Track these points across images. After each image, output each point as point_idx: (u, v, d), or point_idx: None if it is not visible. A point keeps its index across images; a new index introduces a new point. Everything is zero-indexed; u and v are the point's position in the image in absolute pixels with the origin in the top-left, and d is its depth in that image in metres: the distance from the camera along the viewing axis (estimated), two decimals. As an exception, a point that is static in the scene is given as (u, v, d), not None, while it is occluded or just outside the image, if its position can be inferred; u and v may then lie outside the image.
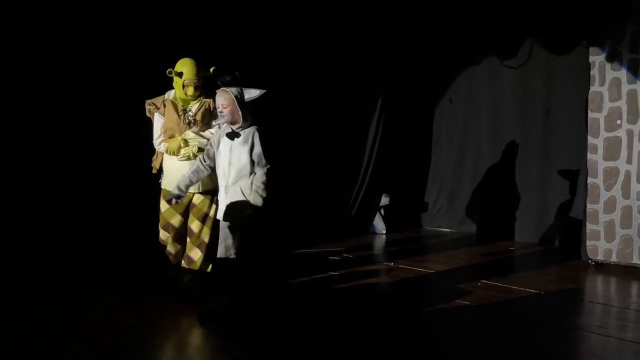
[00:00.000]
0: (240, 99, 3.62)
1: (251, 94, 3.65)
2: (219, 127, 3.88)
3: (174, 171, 4.17)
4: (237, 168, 3.63)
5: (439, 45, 7.03)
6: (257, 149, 3.61)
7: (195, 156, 4.08)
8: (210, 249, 4.18)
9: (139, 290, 4.28)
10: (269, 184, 3.57)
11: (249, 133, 3.63)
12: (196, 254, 4.25)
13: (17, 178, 4.78)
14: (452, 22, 6.76)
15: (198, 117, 4.17)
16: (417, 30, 6.92)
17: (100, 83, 5.10)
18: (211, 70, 4.14)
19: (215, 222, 4.07)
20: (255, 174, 3.59)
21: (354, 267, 5.37)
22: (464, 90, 7.13)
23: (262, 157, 3.60)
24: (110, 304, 4.03)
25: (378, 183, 7.18)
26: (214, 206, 4.17)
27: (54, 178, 4.95)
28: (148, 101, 4.24)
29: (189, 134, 4.11)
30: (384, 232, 7.06)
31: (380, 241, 6.77)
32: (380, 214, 7.17)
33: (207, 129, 4.19)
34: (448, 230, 7.26)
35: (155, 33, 5.23)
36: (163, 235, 4.27)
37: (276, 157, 3.71)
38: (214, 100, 3.86)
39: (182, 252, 4.32)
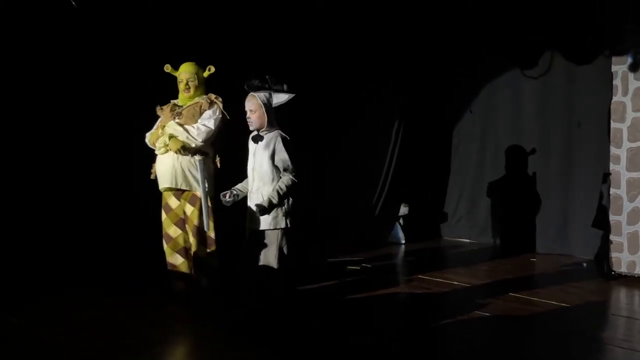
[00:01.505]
0: (268, 104, 3.55)
1: (279, 98, 3.56)
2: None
3: (159, 167, 4.09)
4: (259, 174, 3.56)
5: (458, 53, 6.98)
6: (282, 154, 3.51)
7: (179, 150, 3.94)
8: (202, 261, 4.12)
9: (138, 290, 4.32)
10: (293, 189, 3.47)
11: (272, 138, 3.55)
12: (187, 265, 4.24)
13: (14, 180, 4.79)
14: (471, 32, 6.73)
15: (184, 111, 4.10)
16: (437, 39, 6.90)
17: (98, 85, 5.14)
18: (208, 69, 4.12)
19: (209, 236, 4.05)
20: (281, 178, 3.51)
21: (372, 277, 5.36)
22: (484, 99, 7.08)
23: (289, 163, 3.51)
24: (111, 304, 4.09)
25: (397, 193, 7.17)
26: (201, 216, 4.05)
27: (52, 180, 4.96)
28: (160, 106, 4.29)
29: (170, 123, 4.04)
30: (403, 242, 7.04)
31: (399, 251, 6.74)
32: (399, 224, 7.15)
33: (191, 124, 4.06)
34: (468, 240, 7.20)
35: (160, 35, 5.22)
36: (165, 245, 4.22)
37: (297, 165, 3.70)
38: (213, 104, 3.96)
39: (185, 265, 4.22)
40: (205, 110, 4.07)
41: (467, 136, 7.30)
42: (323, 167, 6.62)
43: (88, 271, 4.72)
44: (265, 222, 3.49)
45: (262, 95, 3.55)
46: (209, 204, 4.03)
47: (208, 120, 4.02)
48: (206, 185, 4.03)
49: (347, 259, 5.91)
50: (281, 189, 3.43)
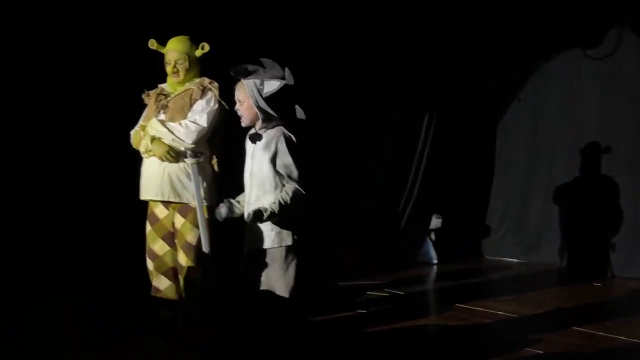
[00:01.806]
0: (258, 93, 3.47)
1: (271, 86, 3.46)
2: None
3: (144, 173, 4.02)
4: (258, 180, 3.48)
5: (500, 34, 6.95)
6: (285, 158, 3.43)
7: (165, 156, 3.88)
8: (195, 283, 4.04)
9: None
10: (298, 200, 3.40)
11: (273, 136, 3.48)
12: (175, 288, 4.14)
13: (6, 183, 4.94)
14: (517, 7, 6.68)
15: (171, 103, 3.99)
16: (473, 17, 6.93)
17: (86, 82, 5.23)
18: (201, 47, 4.00)
19: (200, 253, 3.97)
20: (284, 186, 3.45)
21: (397, 305, 5.36)
22: (535, 88, 7.09)
23: (293, 168, 3.43)
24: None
25: (427, 201, 7.23)
26: (197, 232, 3.96)
27: (39, 184, 5.09)
28: (147, 91, 4.17)
29: (152, 121, 3.93)
30: (435, 262, 7.04)
31: (430, 273, 6.76)
32: (431, 240, 7.15)
33: (180, 119, 3.95)
34: (515, 260, 7.18)
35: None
36: (148, 264, 4.13)
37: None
38: (207, 91, 3.90)
39: (172, 289, 4.13)
40: (197, 100, 3.97)
41: (515, 132, 7.31)
42: (338, 171, 6.66)
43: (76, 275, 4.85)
44: (268, 238, 3.47)
45: (251, 82, 3.49)
46: (206, 216, 3.96)
47: (200, 115, 3.94)
48: (202, 194, 3.94)
49: (366, 283, 5.90)
50: (284, 200, 3.37)
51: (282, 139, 3.45)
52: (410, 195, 7.22)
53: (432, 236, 7.17)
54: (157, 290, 4.11)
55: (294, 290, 3.45)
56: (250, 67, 3.47)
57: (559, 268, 6.81)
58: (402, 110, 7.10)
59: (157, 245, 4.07)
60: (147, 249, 4.12)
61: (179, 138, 3.89)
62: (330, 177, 6.42)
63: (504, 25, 6.84)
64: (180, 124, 3.91)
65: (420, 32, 6.91)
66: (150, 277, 4.12)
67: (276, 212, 3.35)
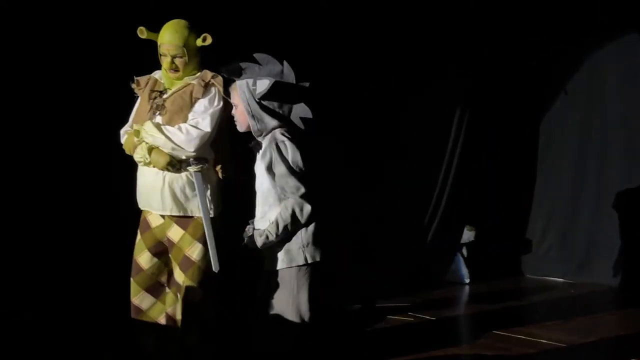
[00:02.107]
0: (251, 96, 3.58)
1: (263, 85, 3.55)
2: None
3: (140, 180, 4.04)
4: (262, 194, 3.61)
5: (546, 16, 7.01)
6: (278, 167, 3.51)
7: (167, 168, 3.90)
8: (194, 308, 4.01)
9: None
10: (299, 218, 3.48)
11: (268, 145, 3.58)
12: (180, 313, 4.07)
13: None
14: None
15: (168, 103, 3.96)
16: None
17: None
18: (202, 38, 3.98)
19: (204, 272, 3.97)
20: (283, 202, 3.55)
21: (424, 331, 5.36)
22: (584, 80, 7.11)
23: (288, 178, 3.49)
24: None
25: (458, 211, 7.22)
26: (199, 246, 3.98)
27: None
28: (136, 78, 4.12)
29: (147, 125, 3.89)
30: (468, 281, 7.04)
31: (462, 295, 6.76)
32: (462, 255, 7.15)
33: (180, 122, 3.94)
34: (561, 280, 7.20)
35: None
36: (131, 278, 4.11)
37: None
38: (209, 87, 3.89)
39: (158, 310, 4.11)
40: (199, 99, 3.96)
41: (560, 131, 7.29)
42: (354, 175, 6.67)
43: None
44: (278, 258, 3.57)
45: (243, 83, 3.59)
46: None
47: (202, 117, 3.94)
48: (209, 205, 3.98)
49: (388, 305, 5.92)
50: (281, 220, 3.48)
51: (274, 146, 3.52)
52: (438, 205, 7.20)
53: (464, 251, 7.18)
54: (139, 311, 4.09)
55: (307, 315, 3.50)
56: (244, 65, 3.55)
57: (611, 289, 6.79)
58: (429, 107, 7.10)
59: (143, 257, 4.06)
60: (132, 261, 4.10)
61: (178, 146, 3.88)
62: (345, 185, 6.47)
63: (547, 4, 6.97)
64: (180, 129, 3.89)
65: (448, 17, 7.00)
66: (131, 295, 4.09)
67: (273, 235, 3.46)
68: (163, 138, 3.85)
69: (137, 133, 3.89)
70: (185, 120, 3.91)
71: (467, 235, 7.16)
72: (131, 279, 4.09)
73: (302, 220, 3.49)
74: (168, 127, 3.88)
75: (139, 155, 3.91)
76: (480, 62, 7.16)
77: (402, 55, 6.83)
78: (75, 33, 5.18)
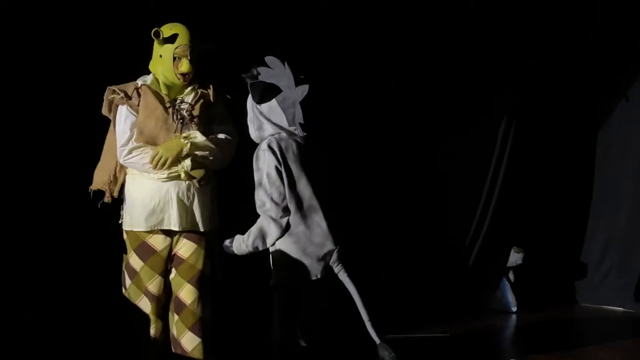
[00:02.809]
0: (252, 100, 3.92)
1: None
2: None
3: (146, 200, 4.01)
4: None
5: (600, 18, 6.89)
6: (255, 177, 3.75)
7: (201, 181, 4.00)
8: (209, 329, 4.10)
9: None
10: (266, 234, 3.74)
11: (255, 151, 3.86)
12: (192, 340, 4.07)
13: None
14: None
15: (196, 112, 4.04)
16: None
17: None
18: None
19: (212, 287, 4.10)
20: None
21: None
22: None
23: (259, 191, 3.71)
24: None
25: (504, 231, 7.08)
26: (207, 261, 4.08)
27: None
28: (113, 88, 4.08)
29: (196, 135, 3.98)
30: (514, 309, 6.79)
31: (508, 324, 6.53)
32: (509, 280, 6.91)
33: (207, 133, 4.06)
34: (621, 309, 6.95)
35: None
36: (145, 306, 4.12)
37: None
38: (216, 93, 4.07)
39: (163, 334, 4.15)
40: (219, 112, 4.17)
41: (621, 141, 7.13)
42: (388, 193, 6.67)
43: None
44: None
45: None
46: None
47: (229, 128, 4.17)
48: (209, 215, 4.14)
49: (424, 335, 5.81)
50: (241, 244, 3.86)
51: (255, 155, 3.78)
52: (481, 224, 7.08)
53: (511, 276, 6.95)
54: (152, 339, 4.12)
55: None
56: (256, 70, 3.83)
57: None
58: (470, 115, 7.01)
59: (155, 284, 4.07)
60: (138, 293, 4.12)
61: (216, 158, 4.06)
62: (378, 203, 6.56)
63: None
64: (218, 139, 4.07)
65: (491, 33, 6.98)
66: (132, 297, 4.13)
67: (236, 252, 3.85)
68: (216, 150, 4.02)
69: (185, 137, 3.97)
70: (209, 129, 4.10)
71: (514, 257, 6.93)
72: (129, 282, 4.15)
73: (268, 244, 3.78)
74: (214, 138, 4.06)
75: (182, 168, 3.97)
76: (529, 74, 7.07)
77: (443, 70, 6.87)
78: (75, 33, 5.32)
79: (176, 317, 4.06)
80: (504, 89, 7.02)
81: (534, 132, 7.10)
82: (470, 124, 7.02)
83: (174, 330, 4.09)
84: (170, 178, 4.00)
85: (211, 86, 4.15)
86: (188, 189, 4.04)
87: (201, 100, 4.10)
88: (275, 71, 3.81)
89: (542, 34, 6.94)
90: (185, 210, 4.05)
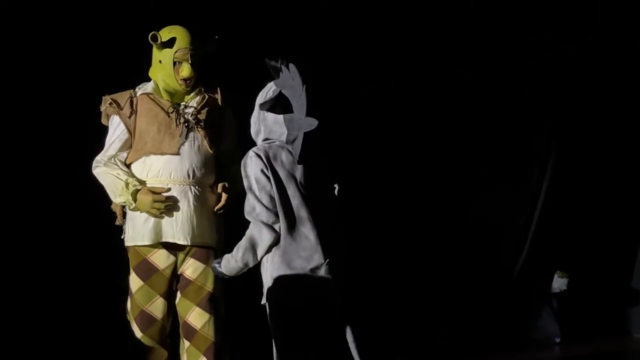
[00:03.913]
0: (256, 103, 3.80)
1: (265, 94, 3.80)
2: None
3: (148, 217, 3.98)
4: None
5: None
6: (244, 183, 3.64)
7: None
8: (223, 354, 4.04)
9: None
10: (249, 249, 3.56)
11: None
12: None
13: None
14: None
15: (202, 115, 4.01)
16: None
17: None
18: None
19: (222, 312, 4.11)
20: None
21: None
22: None
23: (249, 195, 3.60)
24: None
25: (546, 255, 6.95)
26: (217, 280, 4.00)
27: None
28: (107, 97, 4.06)
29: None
30: (558, 340, 6.68)
31: (551, 356, 6.49)
32: (552, 308, 6.78)
33: (217, 142, 4.06)
34: None
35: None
36: (140, 334, 4.00)
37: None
38: (224, 96, 4.07)
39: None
40: (231, 120, 4.19)
41: None
42: (421, 214, 6.55)
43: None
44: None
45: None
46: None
47: (231, 146, 4.24)
48: (214, 230, 4.13)
49: None
50: (230, 260, 3.63)
51: (243, 161, 3.65)
52: (521, 246, 6.98)
53: (554, 303, 6.81)
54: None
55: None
56: (281, 64, 3.64)
57: None
58: (508, 128, 6.95)
59: (156, 306, 3.99)
60: (136, 313, 4.04)
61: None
62: (410, 224, 6.49)
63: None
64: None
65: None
66: (141, 303, 4.04)
67: (225, 272, 3.65)
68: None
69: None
70: (220, 138, 4.11)
71: (559, 283, 6.78)
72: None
73: (259, 255, 3.59)
74: None
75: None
76: (569, 67, 6.95)
77: (443, 70, 6.81)
78: (75, 34, 5.33)
79: (187, 343, 3.96)
80: (545, 96, 6.93)
81: (580, 144, 7.03)
82: (506, 143, 6.93)
83: (184, 359, 4.02)
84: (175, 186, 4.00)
85: (218, 89, 4.13)
86: (195, 199, 3.98)
87: (208, 105, 4.08)
88: (293, 83, 3.67)
89: (542, 34, 6.87)
90: (191, 222, 4.00)
